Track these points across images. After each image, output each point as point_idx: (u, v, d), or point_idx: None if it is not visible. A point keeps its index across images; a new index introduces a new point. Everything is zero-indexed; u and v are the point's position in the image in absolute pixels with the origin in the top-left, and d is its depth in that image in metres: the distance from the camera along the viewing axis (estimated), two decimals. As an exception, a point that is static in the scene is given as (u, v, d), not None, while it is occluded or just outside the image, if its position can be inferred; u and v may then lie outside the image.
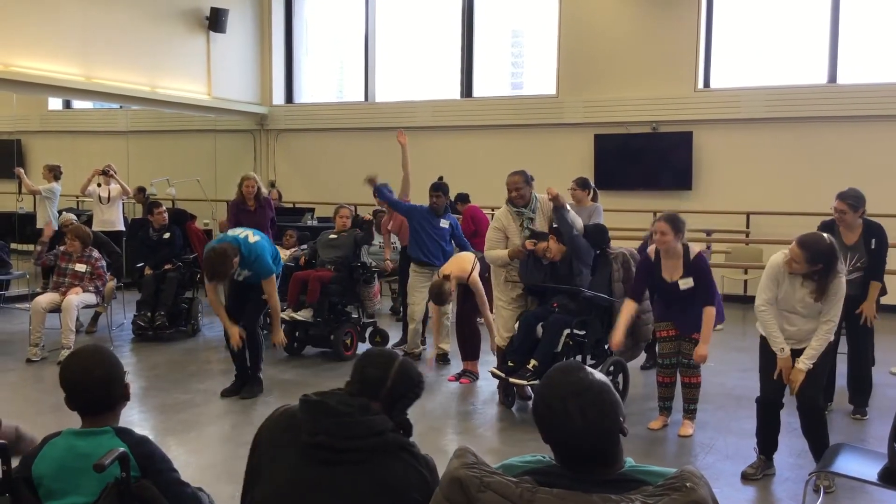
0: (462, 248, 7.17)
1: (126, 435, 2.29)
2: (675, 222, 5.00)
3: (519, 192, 5.83)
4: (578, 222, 5.73)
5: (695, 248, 5.13)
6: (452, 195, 7.87)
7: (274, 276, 5.96)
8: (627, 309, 5.18)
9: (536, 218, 5.84)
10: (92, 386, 2.31)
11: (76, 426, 2.34)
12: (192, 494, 2.36)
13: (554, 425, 1.72)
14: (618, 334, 5.13)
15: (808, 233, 4.25)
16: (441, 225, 7.07)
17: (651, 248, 5.18)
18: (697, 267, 5.02)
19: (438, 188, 7.13)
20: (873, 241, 5.37)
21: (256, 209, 7.89)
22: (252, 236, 5.94)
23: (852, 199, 5.31)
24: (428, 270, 7.06)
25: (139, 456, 2.24)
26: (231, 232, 6.15)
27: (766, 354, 4.43)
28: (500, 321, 5.99)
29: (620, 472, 1.74)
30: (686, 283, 5.01)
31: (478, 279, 6.61)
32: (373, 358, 2.22)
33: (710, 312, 4.99)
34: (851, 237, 5.41)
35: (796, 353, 4.31)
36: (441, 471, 1.80)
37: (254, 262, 5.86)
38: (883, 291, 5.59)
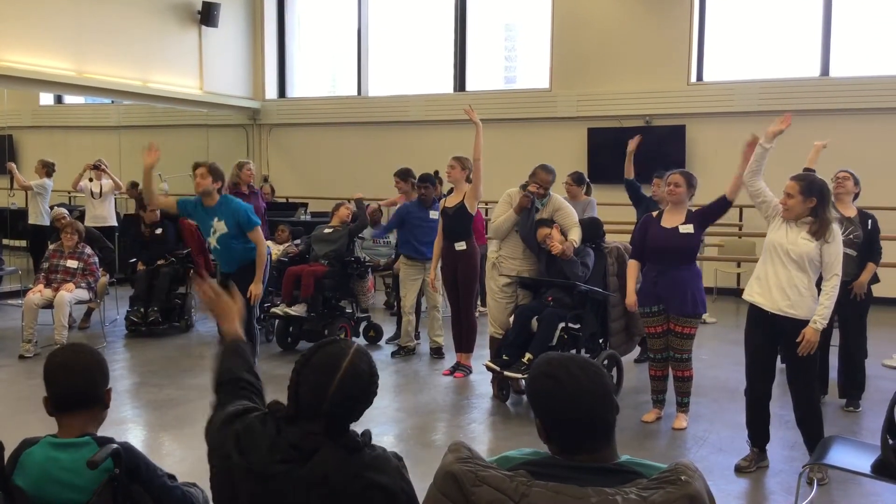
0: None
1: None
2: (689, 178, 5.15)
3: (538, 188, 5.84)
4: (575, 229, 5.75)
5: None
6: (445, 190, 7.87)
7: (258, 226, 5.90)
8: (633, 268, 5.28)
9: (543, 212, 5.90)
10: (77, 372, 2.25)
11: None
12: (183, 497, 2.33)
13: (563, 390, 1.72)
14: (630, 294, 5.22)
15: None
16: (431, 216, 7.06)
17: (655, 214, 5.25)
18: (699, 213, 5.10)
19: (426, 179, 7.14)
20: (869, 221, 5.61)
21: (250, 195, 7.89)
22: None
23: (853, 172, 5.72)
24: (419, 263, 7.08)
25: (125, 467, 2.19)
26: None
27: (752, 344, 4.45)
28: (491, 313, 6.08)
29: (616, 463, 1.73)
30: (686, 228, 5.05)
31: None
32: (307, 373, 1.99)
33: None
34: (848, 212, 5.59)
35: (766, 322, 4.30)
36: (435, 466, 1.79)
37: (230, 204, 5.82)
38: (875, 279, 5.71)
